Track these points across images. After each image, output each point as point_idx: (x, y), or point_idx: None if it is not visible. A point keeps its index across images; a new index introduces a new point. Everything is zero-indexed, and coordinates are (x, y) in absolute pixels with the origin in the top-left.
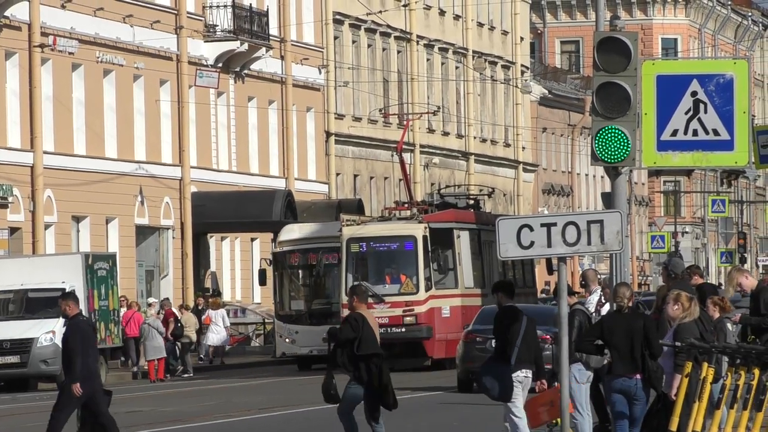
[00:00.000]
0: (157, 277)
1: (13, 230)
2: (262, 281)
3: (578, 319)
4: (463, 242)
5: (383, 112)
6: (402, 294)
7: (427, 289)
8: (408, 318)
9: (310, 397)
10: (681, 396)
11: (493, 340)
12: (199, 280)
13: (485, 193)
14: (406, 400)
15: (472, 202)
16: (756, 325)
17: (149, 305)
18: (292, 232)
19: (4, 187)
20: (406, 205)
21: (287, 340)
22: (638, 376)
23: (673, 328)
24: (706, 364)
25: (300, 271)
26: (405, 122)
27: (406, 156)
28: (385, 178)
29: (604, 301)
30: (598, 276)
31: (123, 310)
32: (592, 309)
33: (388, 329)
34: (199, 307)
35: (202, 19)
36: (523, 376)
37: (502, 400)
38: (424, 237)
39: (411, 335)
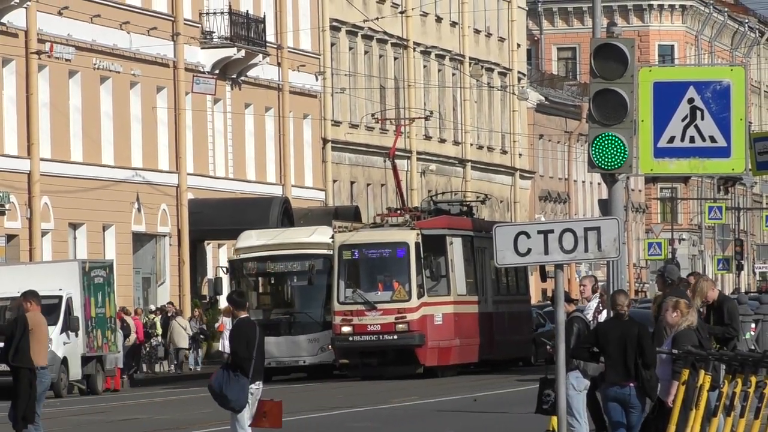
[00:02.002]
0: (154, 285)
1: (9, 237)
2: (218, 291)
3: (577, 326)
4: (455, 249)
5: (376, 117)
6: (394, 301)
7: (420, 296)
8: (400, 325)
9: (309, 405)
10: (678, 404)
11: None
12: (196, 287)
13: (479, 200)
14: (404, 408)
15: (465, 208)
16: (720, 335)
17: None
18: (250, 238)
19: (0, 194)
20: (398, 212)
21: None
22: (632, 385)
23: (671, 335)
24: (703, 372)
25: (258, 280)
26: (397, 128)
27: (402, 163)
28: (382, 185)
29: (602, 308)
30: (597, 283)
31: (129, 318)
32: (590, 316)
33: (380, 336)
34: (169, 314)
35: (199, 25)
36: (255, 388)
37: (236, 410)
38: (417, 243)
39: (403, 342)
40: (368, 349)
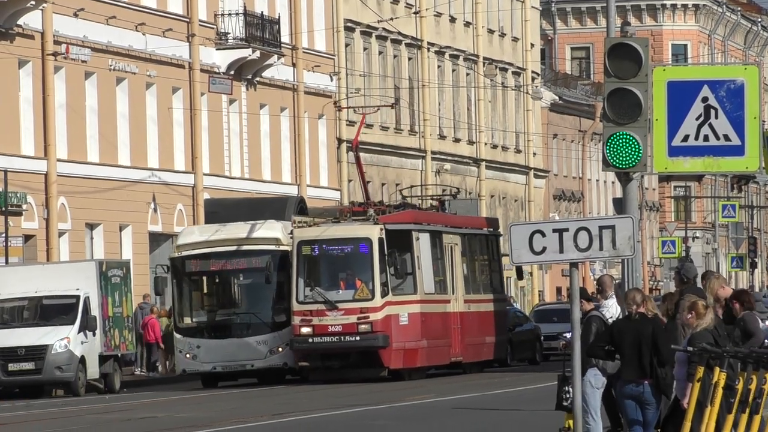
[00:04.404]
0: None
1: (27, 238)
2: (158, 291)
3: (596, 325)
4: (422, 245)
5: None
6: (356, 300)
7: (384, 294)
8: (363, 326)
9: (316, 404)
10: (693, 401)
11: None
12: None
13: (450, 194)
14: (419, 405)
15: (436, 203)
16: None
17: None
18: (192, 234)
19: (18, 195)
20: (362, 206)
21: (188, 355)
22: (647, 382)
23: (688, 336)
24: (717, 369)
25: (201, 279)
26: (362, 117)
27: (417, 162)
28: (396, 185)
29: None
30: (614, 281)
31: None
32: (608, 315)
33: (342, 338)
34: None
35: (214, 27)
36: None
37: None
38: (380, 239)
39: (366, 344)
40: (329, 351)
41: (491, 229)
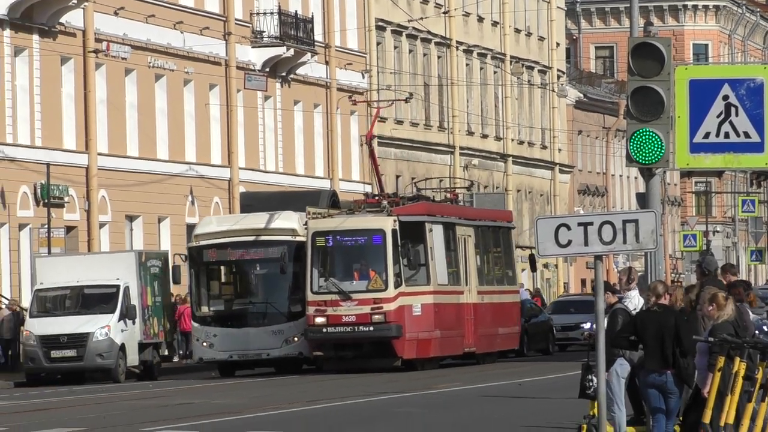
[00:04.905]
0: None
1: (69, 229)
2: (176, 279)
3: (621, 317)
4: (436, 236)
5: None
6: (370, 291)
7: (397, 285)
8: (376, 316)
9: (347, 391)
10: (714, 389)
11: None
12: None
13: (464, 186)
14: (446, 393)
15: (450, 195)
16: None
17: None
18: (210, 224)
19: (60, 188)
20: (376, 198)
21: (204, 344)
22: (669, 372)
23: (709, 328)
24: (738, 359)
25: (217, 268)
26: (376, 111)
27: (446, 158)
28: (426, 179)
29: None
30: (637, 273)
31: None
32: (631, 306)
33: (356, 328)
34: None
35: (250, 25)
36: None
37: None
38: (394, 231)
39: (379, 334)
40: (343, 341)
41: (504, 222)
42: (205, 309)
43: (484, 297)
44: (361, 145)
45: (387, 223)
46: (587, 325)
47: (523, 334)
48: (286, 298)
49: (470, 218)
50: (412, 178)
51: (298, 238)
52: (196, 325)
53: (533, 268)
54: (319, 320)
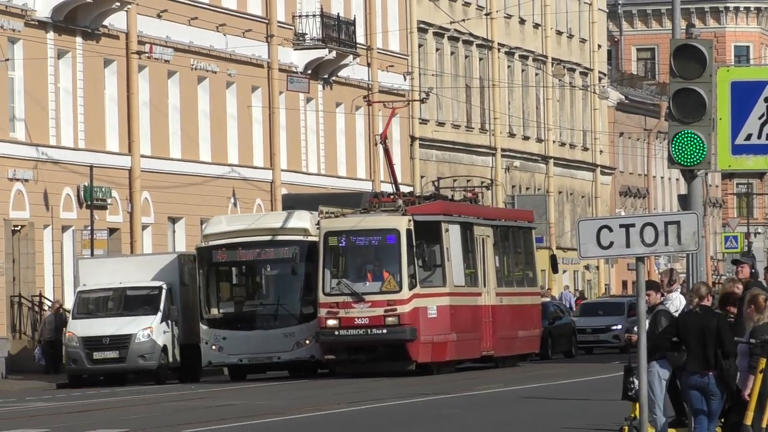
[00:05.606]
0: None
1: (111, 231)
2: (184, 281)
3: (664, 319)
4: (452, 236)
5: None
6: (384, 292)
7: (411, 287)
8: (390, 318)
9: (386, 393)
10: (755, 391)
11: None
12: None
13: (483, 185)
14: (483, 395)
15: (469, 194)
16: None
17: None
18: (219, 224)
19: (103, 190)
20: (391, 197)
21: (213, 347)
22: (711, 374)
23: (750, 329)
24: None
25: (227, 269)
26: (392, 110)
27: (487, 159)
28: (468, 181)
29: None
30: (677, 275)
31: None
32: (672, 308)
33: (369, 330)
34: None
35: (292, 27)
36: None
37: None
38: (408, 230)
39: (393, 337)
40: (356, 344)
41: (525, 221)
42: (214, 311)
43: (503, 299)
44: (376, 144)
45: (401, 223)
46: (618, 327)
47: (547, 337)
48: (298, 299)
49: (489, 218)
50: (454, 181)
51: (310, 238)
52: (204, 327)
53: (554, 270)
54: (331, 322)
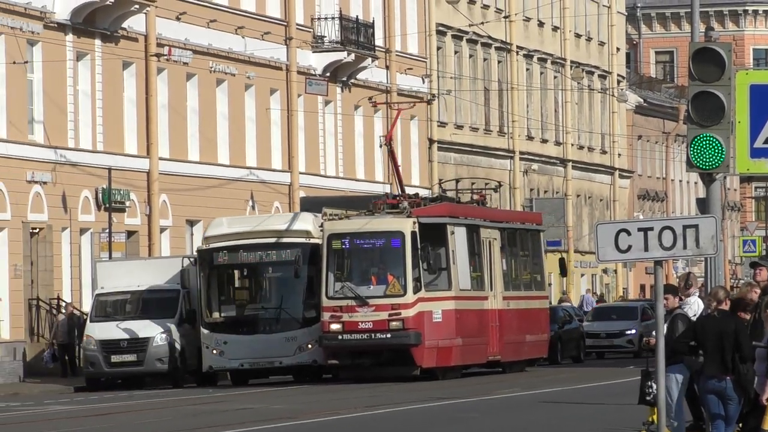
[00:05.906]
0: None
1: (130, 233)
2: (184, 284)
3: (682, 323)
4: (458, 239)
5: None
6: (388, 296)
7: (416, 290)
8: (394, 323)
9: (400, 397)
10: None
11: None
12: None
13: (491, 188)
14: (504, 399)
15: (477, 197)
16: None
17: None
18: (221, 226)
19: (121, 192)
20: (396, 199)
21: (214, 351)
22: (729, 378)
23: None
24: None
25: (228, 272)
26: (398, 111)
27: (506, 162)
28: (486, 184)
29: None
30: (694, 279)
31: None
32: (690, 313)
33: (373, 335)
34: None
35: (311, 30)
36: None
37: None
38: (413, 233)
39: (397, 341)
40: (359, 348)
41: (533, 224)
42: (215, 315)
43: (510, 303)
44: (381, 146)
45: (406, 225)
46: (632, 331)
47: (557, 342)
48: (300, 303)
49: (496, 220)
50: (472, 183)
51: (312, 241)
52: (205, 331)
53: (563, 273)
54: (335, 327)
